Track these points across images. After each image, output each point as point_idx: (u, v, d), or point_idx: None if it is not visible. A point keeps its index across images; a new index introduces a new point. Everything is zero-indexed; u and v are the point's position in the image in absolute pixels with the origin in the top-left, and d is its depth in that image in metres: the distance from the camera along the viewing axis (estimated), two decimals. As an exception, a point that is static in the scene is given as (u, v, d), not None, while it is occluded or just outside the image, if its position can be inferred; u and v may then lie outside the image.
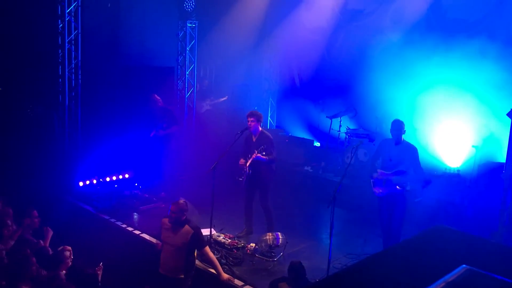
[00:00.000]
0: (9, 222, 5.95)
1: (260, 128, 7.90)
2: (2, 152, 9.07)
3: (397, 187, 7.09)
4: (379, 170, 7.34)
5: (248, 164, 7.65)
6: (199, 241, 6.12)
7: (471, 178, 9.11)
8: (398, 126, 7.19)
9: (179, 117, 11.56)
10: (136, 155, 10.37)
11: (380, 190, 7.29)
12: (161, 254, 6.21)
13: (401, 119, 7.27)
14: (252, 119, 7.76)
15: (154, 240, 7.52)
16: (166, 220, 6.18)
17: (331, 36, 12.22)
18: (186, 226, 6.03)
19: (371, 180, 7.45)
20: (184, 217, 6.06)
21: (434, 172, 9.16)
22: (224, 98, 13.33)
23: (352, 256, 7.47)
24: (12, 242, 5.94)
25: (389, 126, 7.34)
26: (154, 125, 9.78)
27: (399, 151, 7.20)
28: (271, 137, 7.95)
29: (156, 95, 10.01)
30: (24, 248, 5.61)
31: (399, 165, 7.12)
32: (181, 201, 6.09)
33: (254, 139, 7.84)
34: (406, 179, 7.07)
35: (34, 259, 5.38)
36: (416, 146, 7.31)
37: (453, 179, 9.16)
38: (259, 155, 7.56)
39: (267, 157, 7.58)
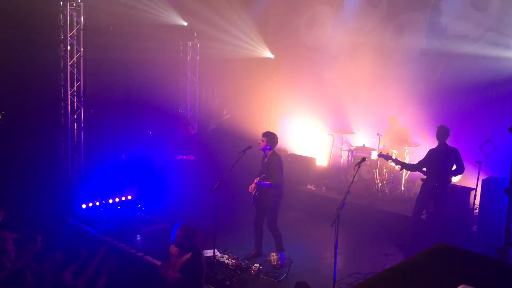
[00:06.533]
0: (9, 248, 5.86)
1: (272, 150, 7.75)
2: (5, 175, 9.08)
3: None
4: None
5: (252, 188, 7.68)
6: (190, 269, 6.06)
7: (475, 193, 9.06)
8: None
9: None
10: (138, 177, 10.35)
11: None
12: (167, 281, 6.21)
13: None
14: (263, 139, 7.68)
15: (158, 263, 7.48)
16: (172, 246, 6.31)
17: (332, 53, 12.31)
18: (189, 254, 6.13)
19: None
20: (190, 243, 6.17)
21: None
22: (227, 116, 13.38)
23: (357, 275, 7.40)
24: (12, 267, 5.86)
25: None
26: (176, 150, 9.75)
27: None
28: (280, 160, 7.78)
29: (187, 123, 10.07)
30: (24, 271, 5.55)
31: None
32: (189, 226, 6.22)
33: (266, 160, 7.80)
34: None
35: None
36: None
37: (457, 194, 9.10)
38: (258, 181, 7.57)
39: (267, 182, 7.54)
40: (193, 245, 6.21)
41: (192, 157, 9.90)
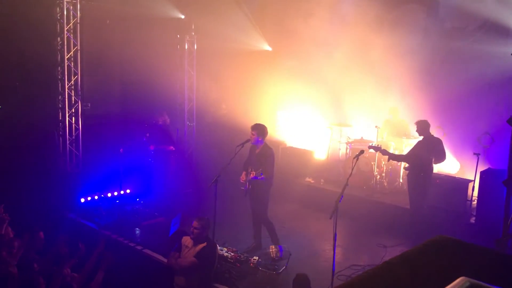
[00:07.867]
0: (11, 242, 5.85)
1: (264, 142, 7.80)
2: (2, 169, 9.05)
3: None
4: None
5: (245, 180, 7.69)
6: (206, 255, 6.13)
7: (474, 185, 9.08)
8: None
9: (177, 135, 11.57)
10: (137, 170, 10.35)
11: None
12: (177, 270, 6.23)
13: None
14: (253, 132, 7.71)
15: (157, 256, 7.50)
16: (187, 238, 6.35)
17: (330, 45, 12.27)
18: (205, 243, 6.22)
19: None
20: (206, 234, 6.29)
21: (437, 180, 9.11)
22: (225, 111, 13.35)
23: (356, 267, 7.42)
24: (15, 262, 5.86)
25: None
26: (151, 139, 9.82)
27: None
28: (273, 152, 7.87)
29: (165, 113, 10.08)
30: (32, 264, 5.56)
31: None
32: (204, 218, 6.33)
33: (257, 151, 7.81)
34: None
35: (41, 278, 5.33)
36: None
37: (455, 186, 9.12)
38: (255, 175, 7.55)
39: (263, 176, 7.55)
40: (207, 236, 6.35)
41: (172, 148, 9.93)
